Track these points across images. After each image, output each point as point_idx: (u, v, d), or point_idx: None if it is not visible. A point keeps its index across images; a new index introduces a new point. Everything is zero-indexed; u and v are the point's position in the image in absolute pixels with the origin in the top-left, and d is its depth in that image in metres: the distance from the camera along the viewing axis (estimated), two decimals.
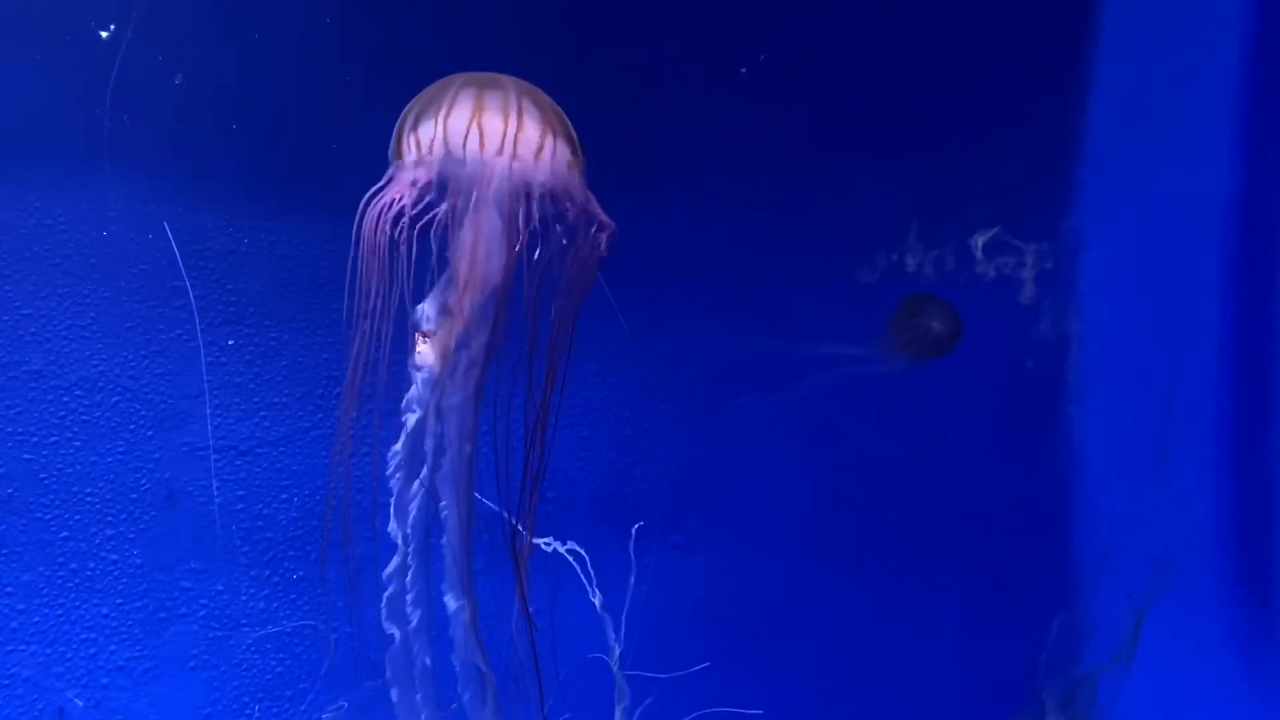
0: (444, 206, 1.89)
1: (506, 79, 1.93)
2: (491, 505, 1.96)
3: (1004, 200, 3.17)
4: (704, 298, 2.94)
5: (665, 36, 2.93)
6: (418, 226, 1.90)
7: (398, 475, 1.94)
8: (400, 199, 1.90)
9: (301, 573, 2.60)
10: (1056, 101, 3.20)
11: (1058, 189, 3.22)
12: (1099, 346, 3.24)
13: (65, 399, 2.47)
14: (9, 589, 2.44)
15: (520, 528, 1.96)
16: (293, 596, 2.59)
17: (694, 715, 2.90)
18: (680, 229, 2.91)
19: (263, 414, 2.59)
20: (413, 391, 1.93)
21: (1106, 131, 3.21)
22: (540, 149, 1.88)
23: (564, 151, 1.92)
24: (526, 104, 1.88)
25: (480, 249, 1.89)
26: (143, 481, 2.52)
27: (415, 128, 1.90)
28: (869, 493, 3.09)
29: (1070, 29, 3.20)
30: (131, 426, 2.51)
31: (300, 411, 2.60)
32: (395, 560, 1.97)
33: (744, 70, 2.96)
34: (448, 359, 1.90)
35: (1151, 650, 3.22)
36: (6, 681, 2.43)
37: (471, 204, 1.87)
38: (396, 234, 1.90)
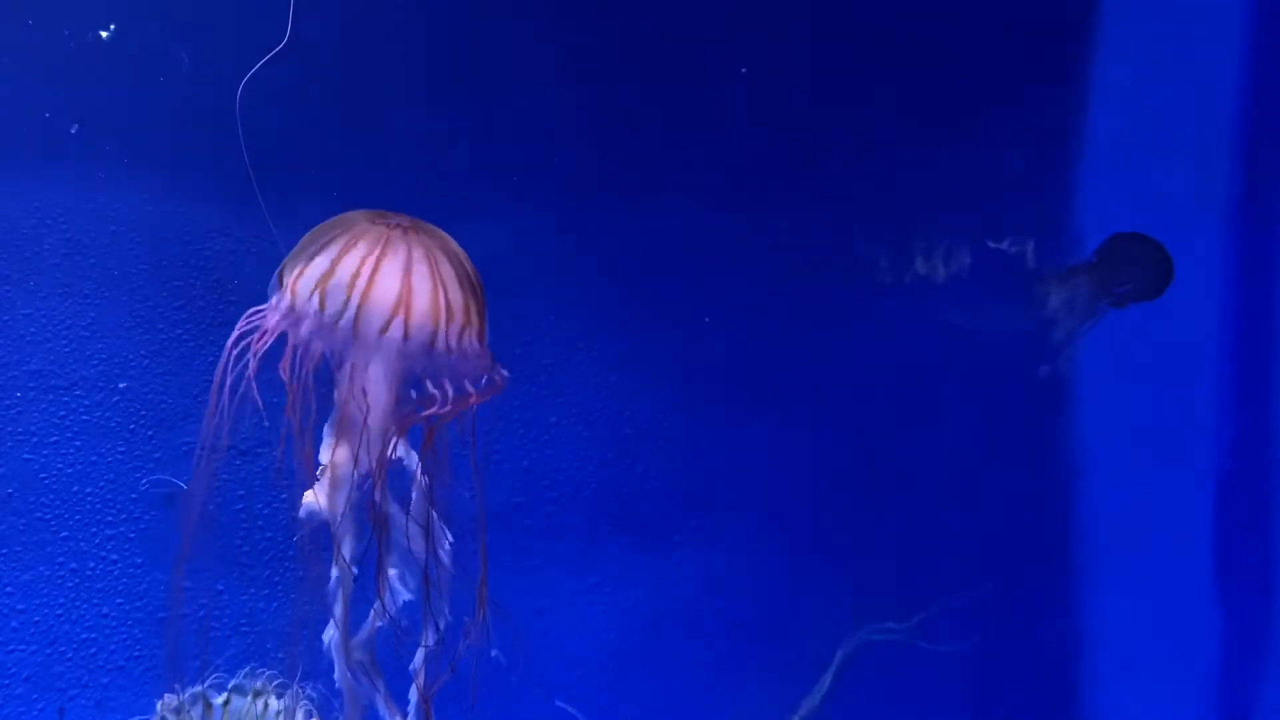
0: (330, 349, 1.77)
1: (407, 246, 1.74)
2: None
3: (1004, 199, 3.17)
4: (705, 297, 2.94)
5: (665, 36, 2.93)
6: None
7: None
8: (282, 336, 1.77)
9: (301, 573, 2.59)
10: (1057, 101, 3.20)
11: (1058, 188, 3.22)
12: (1099, 346, 3.24)
13: (65, 399, 2.47)
14: (9, 589, 2.43)
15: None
16: (292, 596, 2.59)
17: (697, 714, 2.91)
18: (680, 228, 2.90)
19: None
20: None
21: (1106, 131, 3.21)
22: (434, 333, 1.71)
23: (459, 327, 1.74)
24: (420, 283, 1.70)
25: (365, 396, 1.79)
26: (143, 481, 2.52)
27: (298, 277, 1.76)
28: (870, 492, 3.09)
29: (1071, 29, 3.20)
30: (131, 426, 2.51)
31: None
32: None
33: (744, 70, 2.96)
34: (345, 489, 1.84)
35: (1152, 650, 3.21)
36: (6, 681, 2.43)
37: (353, 361, 1.76)
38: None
